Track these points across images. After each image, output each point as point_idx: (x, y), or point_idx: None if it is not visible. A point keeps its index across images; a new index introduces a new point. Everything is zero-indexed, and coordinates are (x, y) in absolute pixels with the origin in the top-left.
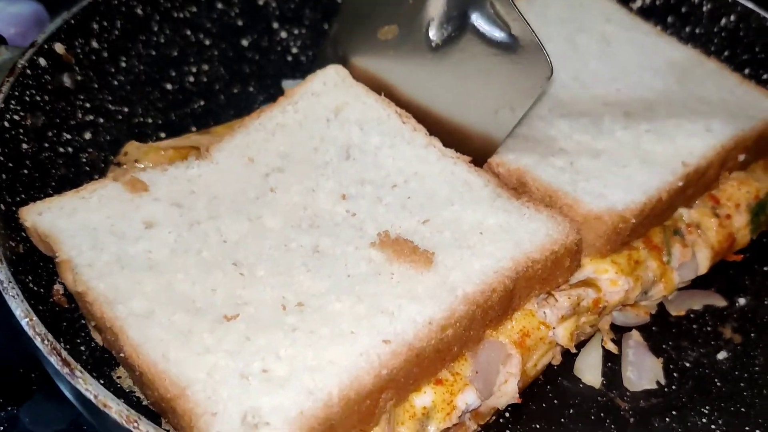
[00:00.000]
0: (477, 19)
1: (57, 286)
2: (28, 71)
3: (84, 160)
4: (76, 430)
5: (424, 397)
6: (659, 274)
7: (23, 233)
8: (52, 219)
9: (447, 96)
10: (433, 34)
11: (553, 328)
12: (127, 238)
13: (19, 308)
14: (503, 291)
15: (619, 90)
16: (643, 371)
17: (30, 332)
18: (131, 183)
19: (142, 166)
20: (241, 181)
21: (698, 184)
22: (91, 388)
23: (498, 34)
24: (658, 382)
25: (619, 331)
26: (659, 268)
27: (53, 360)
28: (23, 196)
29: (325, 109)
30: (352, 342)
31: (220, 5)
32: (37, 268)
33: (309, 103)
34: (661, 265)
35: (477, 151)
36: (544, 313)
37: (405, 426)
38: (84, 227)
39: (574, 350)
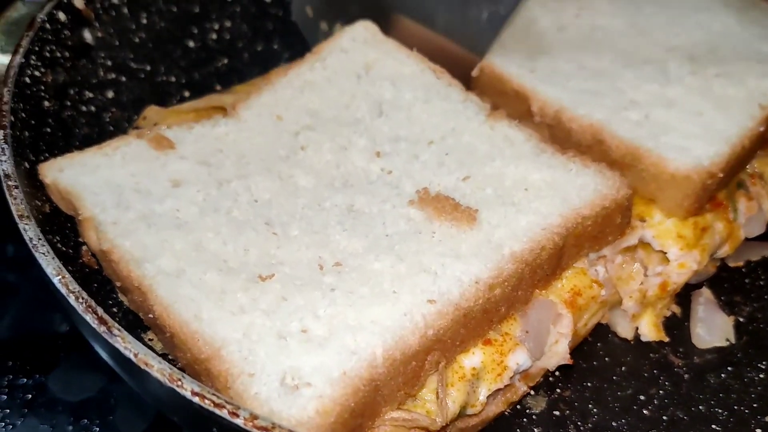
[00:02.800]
0: None
1: (86, 247)
2: (48, 26)
3: (107, 119)
4: (105, 397)
5: (473, 358)
6: (726, 234)
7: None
8: (74, 175)
9: None
10: None
11: (604, 286)
12: (153, 196)
13: (51, 266)
14: (552, 248)
15: (678, 34)
16: (713, 328)
17: (63, 290)
18: (156, 140)
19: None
20: (270, 139)
21: None
22: (130, 346)
23: None
24: (728, 340)
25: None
26: (726, 228)
27: (89, 318)
28: (47, 154)
29: (355, 65)
30: (395, 301)
31: None
32: (65, 228)
33: (338, 59)
34: (728, 224)
35: None
36: (596, 271)
37: (455, 387)
38: (107, 184)
39: (666, 339)
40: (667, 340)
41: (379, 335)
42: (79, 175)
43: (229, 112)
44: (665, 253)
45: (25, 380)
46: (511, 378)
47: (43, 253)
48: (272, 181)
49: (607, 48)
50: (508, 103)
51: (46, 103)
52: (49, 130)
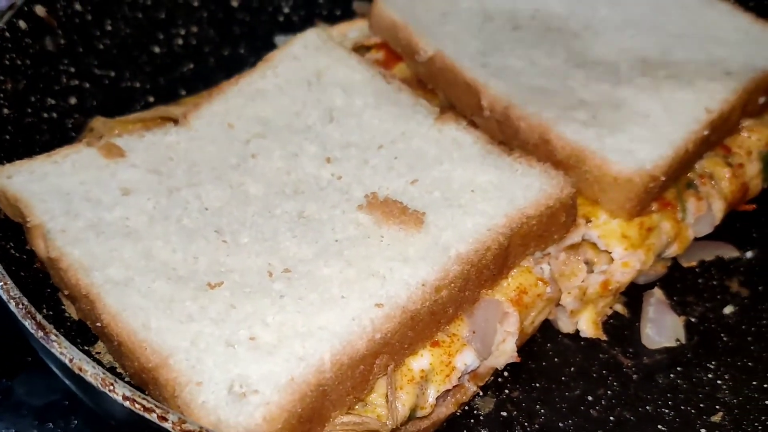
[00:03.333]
0: None
1: None
2: (8, 34)
3: (70, 125)
4: (70, 400)
5: (421, 360)
6: (674, 234)
7: None
8: (22, 182)
9: None
10: None
11: (550, 283)
12: (102, 205)
13: None
14: (498, 249)
15: (632, 36)
16: (663, 329)
17: (4, 296)
18: (107, 148)
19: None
20: (220, 147)
21: (720, 132)
22: (65, 351)
23: None
24: (677, 340)
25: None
26: (673, 228)
27: (28, 324)
28: (5, 161)
29: (307, 72)
30: (343, 307)
31: None
32: (21, 233)
33: (289, 67)
34: (675, 224)
35: None
36: (541, 269)
37: (404, 390)
38: (57, 192)
39: (604, 337)
40: (605, 338)
41: (327, 341)
42: (28, 182)
43: (180, 121)
44: (609, 252)
45: None
46: (459, 378)
47: None
48: (223, 189)
49: (561, 47)
50: (458, 94)
51: (6, 111)
52: (8, 137)
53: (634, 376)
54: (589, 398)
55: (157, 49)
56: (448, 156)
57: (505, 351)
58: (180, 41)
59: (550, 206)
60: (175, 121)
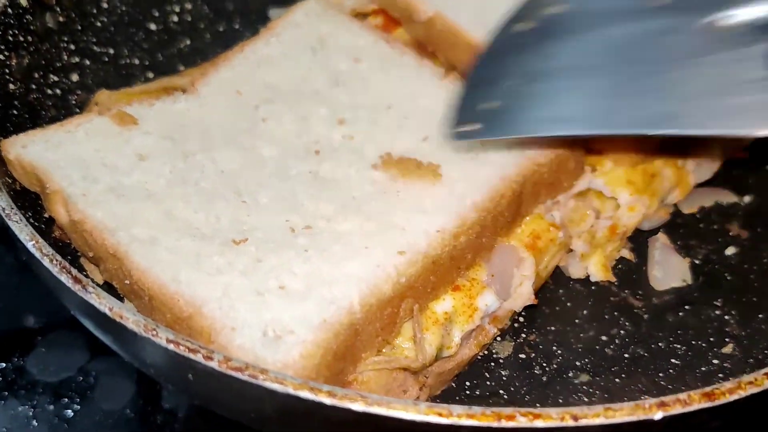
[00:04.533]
0: None
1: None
2: (9, 10)
3: (73, 101)
4: (85, 375)
5: (444, 304)
6: (675, 180)
7: None
8: (37, 151)
9: None
10: None
11: (562, 228)
12: (120, 170)
13: (24, 231)
14: (511, 196)
15: None
16: (669, 270)
17: (37, 254)
18: (119, 116)
19: None
20: (230, 113)
21: None
22: (104, 301)
23: None
24: (684, 281)
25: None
26: (675, 174)
27: (64, 279)
28: (15, 136)
29: (310, 39)
30: (367, 255)
31: None
32: (36, 205)
33: (292, 34)
34: (676, 170)
35: None
36: (552, 216)
37: (430, 332)
38: (73, 159)
39: (614, 279)
40: (614, 280)
41: (354, 285)
42: (43, 151)
43: (188, 89)
44: (617, 199)
45: (4, 364)
46: (481, 319)
47: (16, 221)
48: (237, 152)
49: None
50: (459, 55)
51: (11, 86)
52: (15, 112)
53: (645, 316)
54: (603, 338)
55: (153, 26)
56: None
57: (523, 294)
58: (175, 18)
59: (560, 153)
60: (183, 90)
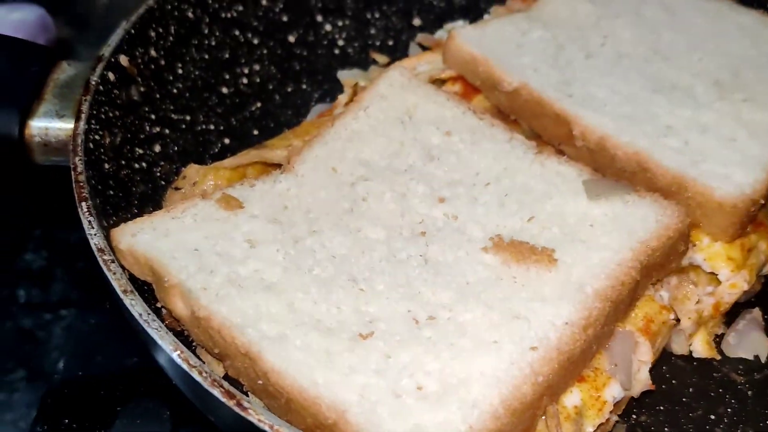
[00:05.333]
0: None
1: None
2: (101, 87)
3: (158, 174)
4: None
5: (572, 397)
6: None
7: None
8: (148, 240)
9: None
10: None
11: (673, 310)
12: (234, 259)
13: (166, 341)
14: (631, 283)
15: (701, 59)
16: (744, 340)
17: (184, 366)
18: (225, 200)
19: (204, 188)
20: (330, 192)
21: None
22: (264, 418)
23: None
24: (756, 356)
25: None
26: None
27: (216, 393)
28: (114, 219)
29: (397, 111)
30: (498, 351)
31: (264, 2)
32: (144, 292)
33: (379, 106)
34: None
35: None
36: (660, 296)
37: (563, 429)
38: (185, 248)
39: (718, 357)
40: (719, 357)
41: (494, 386)
42: (153, 240)
43: (284, 167)
44: (716, 274)
45: None
46: (609, 412)
47: (156, 329)
48: (344, 235)
49: (635, 73)
50: (546, 125)
51: (106, 165)
52: (111, 192)
53: (749, 392)
54: (712, 417)
55: (225, 90)
56: (556, 190)
57: (641, 380)
58: (245, 80)
59: (671, 237)
60: (271, 166)
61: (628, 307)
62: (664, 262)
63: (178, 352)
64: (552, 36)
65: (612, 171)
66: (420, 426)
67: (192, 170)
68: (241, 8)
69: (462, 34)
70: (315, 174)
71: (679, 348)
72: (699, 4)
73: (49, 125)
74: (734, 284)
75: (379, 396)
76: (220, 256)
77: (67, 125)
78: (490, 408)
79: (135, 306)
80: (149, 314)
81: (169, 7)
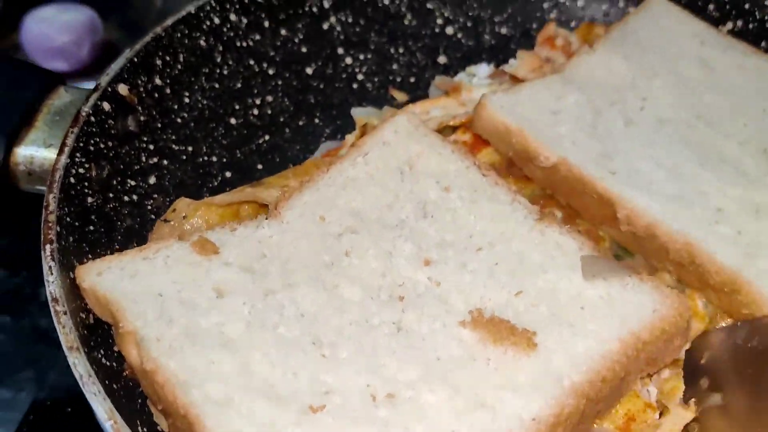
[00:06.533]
0: None
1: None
2: (92, 118)
3: (149, 206)
4: None
5: None
6: None
7: None
8: (112, 280)
9: None
10: None
11: (659, 410)
12: (197, 309)
13: (101, 407)
14: (613, 379)
15: (746, 125)
16: None
17: None
18: (200, 244)
19: (193, 222)
20: (313, 243)
21: None
22: None
23: None
24: None
25: None
26: None
27: None
28: (90, 256)
29: (398, 160)
30: None
31: (283, 31)
32: (109, 337)
33: (380, 153)
34: None
35: None
36: (648, 392)
37: None
38: (149, 293)
39: None
40: None
41: None
42: (119, 281)
43: (271, 212)
44: None
45: None
46: None
47: (94, 393)
48: (318, 292)
49: (678, 142)
50: (586, 204)
51: (90, 200)
52: (92, 228)
53: None
54: None
55: (233, 121)
56: (552, 263)
57: None
58: (256, 111)
59: (666, 330)
60: (262, 206)
61: (609, 406)
62: (656, 357)
63: (112, 421)
64: (588, 100)
65: (656, 258)
66: None
67: (183, 203)
68: (258, 37)
69: (494, 102)
70: (301, 221)
71: None
72: (739, 60)
73: (35, 153)
74: None
75: None
76: (183, 304)
77: (53, 155)
78: None
79: (77, 366)
80: (90, 376)
81: (179, 35)
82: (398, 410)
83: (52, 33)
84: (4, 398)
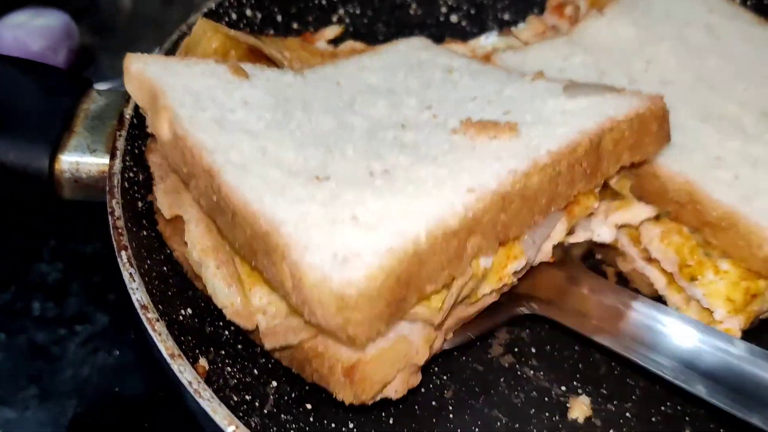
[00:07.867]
0: None
1: (202, 361)
2: (135, 120)
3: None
4: None
5: (487, 259)
6: None
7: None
8: (157, 71)
9: None
10: None
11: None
12: (226, 107)
13: (219, 414)
14: (588, 146)
15: (746, 89)
16: None
17: None
18: (234, 67)
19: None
20: (330, 94)
21: None
22: None
23: None
24: None
25: None
26: None
27: None
28: (149, 262)
29: (410, 60)
30: (438, 194)
31: (295, 25)
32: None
33: (394, 55)
34: None
35: None
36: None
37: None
38: (187, 88)
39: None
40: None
41: (423, 220)
42: (162, 74)
43: (295, 70)
44: (711, 312)
45: None
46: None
47: (208, 399)
48: (332, 119)
49: (681, 102)
50: (754, 262)
51: (140, 204)
52: (144, 233)
53: None
54: None
55: None
56: (539, 95)
57: (543, 251)
58: None
59: (640, 114)
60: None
61: (590, 174)
62: (635, 142)
63: (233, 427)
64: (593, 61)
65: (665, 200)
66: (346, 244)
67: (208, 24)
68: (272, 31)
69: (502, 59)
70: (321, 81)
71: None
72: (745, 29)
73: (80, 160)
74: (728, 329)
75: (315, 220)
76: (215, 102)
77: (99, 160)
78: (414, 235)
79: (184, 373)
80: (200, 383)
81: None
82: (392, 179)
83: (28, 40)
84: (10, 418)
